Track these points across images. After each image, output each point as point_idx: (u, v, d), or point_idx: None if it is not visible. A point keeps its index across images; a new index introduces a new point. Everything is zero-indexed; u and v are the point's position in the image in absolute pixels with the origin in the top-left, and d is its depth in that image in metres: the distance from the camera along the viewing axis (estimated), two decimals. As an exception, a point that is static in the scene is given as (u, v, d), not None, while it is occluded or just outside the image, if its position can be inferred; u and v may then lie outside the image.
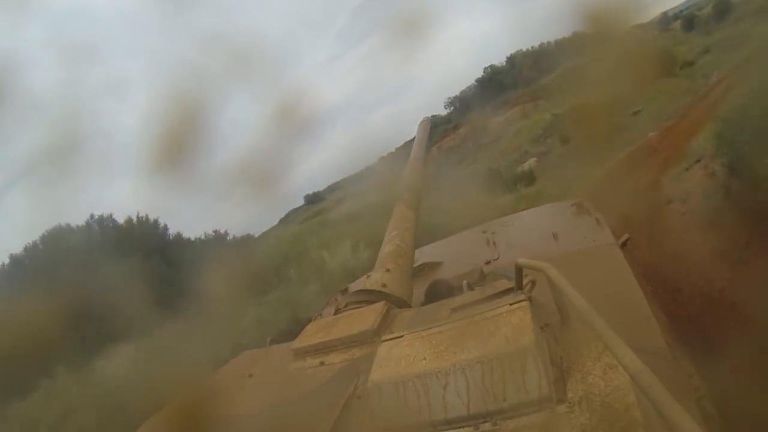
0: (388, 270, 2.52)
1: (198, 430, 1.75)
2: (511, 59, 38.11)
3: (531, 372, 1.17)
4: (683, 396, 1.21)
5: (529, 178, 16.05)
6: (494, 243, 3.08)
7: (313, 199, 32.18)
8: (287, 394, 1.81)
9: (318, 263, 9.13)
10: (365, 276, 2.85)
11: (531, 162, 21.62)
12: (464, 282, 2.14)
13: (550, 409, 1.17)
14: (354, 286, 3.12)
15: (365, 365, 1.56)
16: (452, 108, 38.31)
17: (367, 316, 2.01)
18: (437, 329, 1.40)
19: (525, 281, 1.60)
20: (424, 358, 1.31)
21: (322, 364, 1.90)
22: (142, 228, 14.39)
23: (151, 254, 12.61)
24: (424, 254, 3.35)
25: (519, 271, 1.59)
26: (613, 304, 1.34)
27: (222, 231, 13.50)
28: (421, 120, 4.21)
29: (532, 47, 36.48)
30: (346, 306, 2.36)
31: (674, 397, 0.77)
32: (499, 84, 35.89)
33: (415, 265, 2.88)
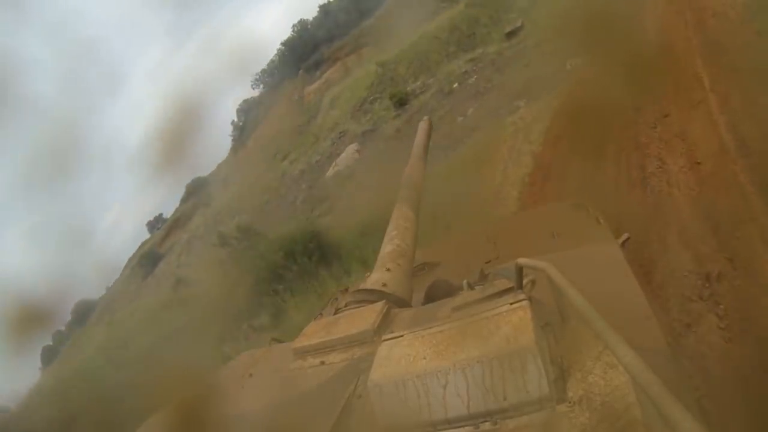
0: (388, 270, 2.52)
1: (198, 430, 1.75)
2: (325, 8, 29.76)
3: (531, 371, 1.17)
4: (683, 396, 1.21)
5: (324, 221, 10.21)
6: (494, 242, 3.08)
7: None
8: (287, 393, 1.81)
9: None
10: (365, 275, 2.85)
11: (348, 154, 14.82)
12: (464, 281, 2.14)
13: (551, 408, 1.17)
14: (354, 286, 3.11)
15: (365, 365, 1.56)
16: (261, 86, 30.43)
17: (368, 316, 2.01)
18: (437, 329, 1.40)
19: (525, 281, 1.60)
20: (424, 358, 1.31)
21: (322, 363, 1.90)
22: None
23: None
24: (424, 254, 3.35)
25: (519, 270, 1.59)
26: (613, 304, 1.34)
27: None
28: (422, 120, 4.22)
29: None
30: (346, 305, 2.36)
31: (674, 396, 0.77)
32: (312, 41, 27.88)
33: (414, 265, 2.88)
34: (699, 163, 5.93)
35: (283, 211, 16.35)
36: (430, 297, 2.33)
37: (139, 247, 29.62)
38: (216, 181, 28.23)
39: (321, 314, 2.93)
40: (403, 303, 2.31)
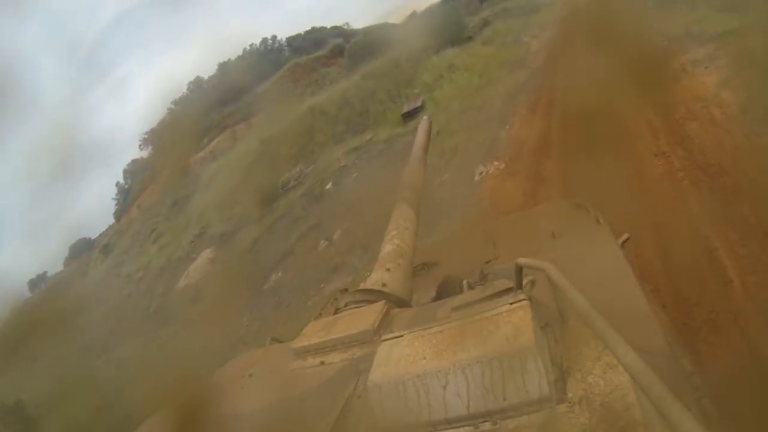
0: (388, 269, 2.52)
1: (198, 430, 1.75)
2: (224, 66, 26.31)
3: (531, 372, 1.17)
4: (683, 396, 1.21)
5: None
6: (494, 242, 3.07)
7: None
8: (287, 393, 1.81)
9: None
10: (365, 276, 2.85)
11: (201, 263, 12.55)
12: (464, 281, 2.14)
13: (550, 408, 1.17)
14: (354, 286, 3.11)
15: (365, 365, 1.56)
16: (149, 148, 26.69)
17: (367, 316, 2.01)
18: (437, 329, 1.40)
19: (525, 281, 1.60)
20: (424, 358, 1.31)
21: (322, 363, 1.90)
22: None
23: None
24: (423, 254, 3.35)
25: (519, 270, 1.59)
26: (613, 304, 1.34)
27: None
28: (422, 120, 4.22)
29: (251, 45, 26.06)
30: (346, 305, 2.36)
31: (674, 396, 0.77)
32: (205, 102, 24.65)
33: (414, 265, 2.87)
34: None
35: (137, 318, 14.05)
36: (441, 295, 2.33)
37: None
38: (99, 245, 25.68)
39: (321, 314, 2.93)
40: (403, 303, 2.31)
